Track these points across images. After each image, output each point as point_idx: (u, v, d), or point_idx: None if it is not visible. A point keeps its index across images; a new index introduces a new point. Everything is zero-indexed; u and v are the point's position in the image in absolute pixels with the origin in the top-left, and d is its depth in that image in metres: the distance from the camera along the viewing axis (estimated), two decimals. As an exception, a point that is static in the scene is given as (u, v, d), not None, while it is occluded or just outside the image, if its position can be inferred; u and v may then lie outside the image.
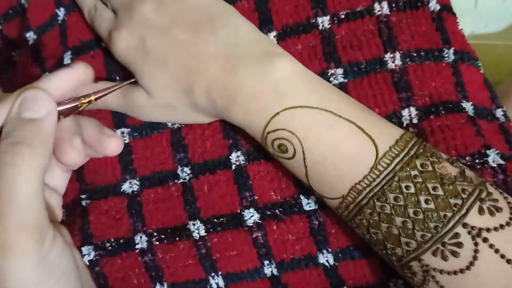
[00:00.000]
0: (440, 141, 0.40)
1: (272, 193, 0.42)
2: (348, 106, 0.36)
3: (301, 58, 0.43)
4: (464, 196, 0.32)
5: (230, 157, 0.43)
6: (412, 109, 0.41)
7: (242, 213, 0.42)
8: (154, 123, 0.45)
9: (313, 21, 0.44)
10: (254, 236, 0.42)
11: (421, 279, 0.34)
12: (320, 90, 0.37)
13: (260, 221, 0.42)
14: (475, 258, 0.31)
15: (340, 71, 0.42)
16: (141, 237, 0.44)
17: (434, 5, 0.42)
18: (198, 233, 0.43)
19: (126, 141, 0.45)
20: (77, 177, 0.46)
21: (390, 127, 0.36)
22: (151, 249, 0.44)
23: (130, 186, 0.45)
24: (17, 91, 0.34)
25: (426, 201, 0.32)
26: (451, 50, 0.42)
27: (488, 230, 0.31)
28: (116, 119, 0.46)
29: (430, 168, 0.33)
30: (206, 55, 0.39)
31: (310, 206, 0.41)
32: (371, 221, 0.34)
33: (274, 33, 0.44)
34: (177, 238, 0.43)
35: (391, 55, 0.42)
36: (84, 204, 0.46)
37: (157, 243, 0.44)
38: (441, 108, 0.40)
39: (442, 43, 0.42)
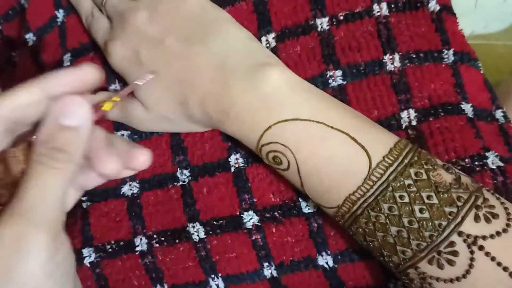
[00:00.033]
0: (439, 143, 0.40)
1: (271, 196, 0.42)
2: (341, 116, 0.36)
3: (299, 60, 0.43)
4: (459, 203, 0.32)
5: (229, 159, 0.43)
6: (411, 111, 0.41)
7: (241, 215, 0.42)
8: (154, 126, 0.45)
9: (312, 22, 0.43)
10: (253, 238, 0.42)
11: (419, 285, 0.34)
12: (312, 101, 0.37)
13: (259, 224, 0.42)
14: (471, 266, 0.31)
15: (339, 73, 0.42)
16: (141, 239, 0.44)
17: (433, 6, 0.42)
18: (198, 235, 0.43)
19: (126, 144, 0.46)
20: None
21: (384, 135, 0.36)
22: (151, 251, 0.44)
23: (130, 188, 0.45)
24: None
25: (421, 210, 0.32)
26: (451, 51, 0.42)
27: (484, 237, 0.31)
28: (116, 122, 0.46)
29: (424, 177, 0.33)
30: (198, 67, 0.39)
31: (309, 209, 0.41)
32: (367, 230, 0.34)
33: (272, 35, 0.44)
34: (177, 241, 0.43)
35: (390, 57, 0.42)
36: (84, 206, 0.46)
37: (157, 245, 0.44)
38: (440, 110, 0.40)
39: (441, 44, 0.42)
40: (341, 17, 0.43)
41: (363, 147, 0.34)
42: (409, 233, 0.32)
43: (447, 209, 0.32)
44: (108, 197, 0.46)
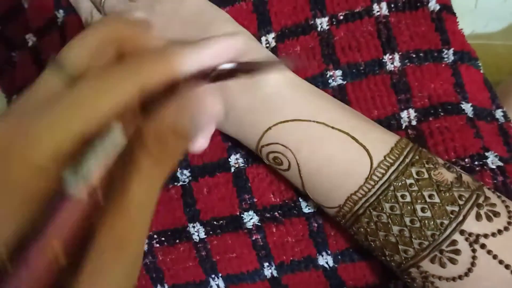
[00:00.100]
0: (439, 143, 0.40)
1: (271, 196, 0.42)
2: (341, 116, 0.36)
3: (299, 60, 0.42)
4: (461, 202, 0.32)
5: (229, 159, 0.43)
6: (411, 111, 0.41)
7: (242, 215, 0.42)
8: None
9: (312, 22, 0.43)
10: (253, 238, 0.42)
11: (421, 284, 0.34)
12: (312, 101, 0.37)
13: (259, 224, 0.42)
14: (473, 264, 0.31)
15: (338, 72, 0.42)
16: (141, 239, 0.44)
17: (433, 5, 0.42)
18: (198, 235, 0.43)
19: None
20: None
21: (385, 135, 0.36)
22: (152, 251, 0.44)
23: (130, 188, 0.45)
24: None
25: (423, 210, 0.32)
26: (451, 51, 0.42)
27: (485, 236, 0.31)
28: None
29: (426, 176, 0.33)
30: None
31: (309, 209, 0.41)
32: (369, 230, 0.35)
33: (272, 35, 0.44)
34: (177, 241, 0.43)
35: (390, 57, 0.42)
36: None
37: (158, 245, 0.44)
38: (440, 110, 0.40)
39: (441, 43, 0.42)
40: (341, 17, 0.43)
41: (364, 146, 0.34)
42: (411, 232, 0.32)
43: (449, 208, 0.32)
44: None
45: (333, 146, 0.35)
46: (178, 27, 0.39)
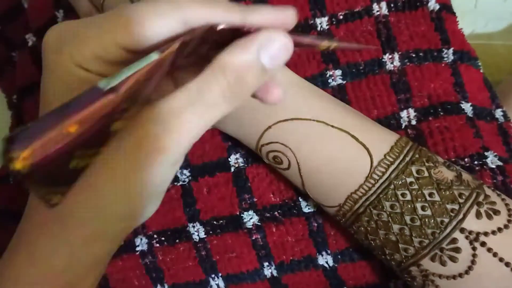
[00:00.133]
0: (438, 143, 0.40)
1: (271, 195, 0.42)
2: (341, 115, 0.36)
3: (299, 60, 0.43)
4: (461, 200, 0.32)
5: (229, 159, 0.43)
6: (411, 110, 0.41)
7: (242, 215, 0.42)
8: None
9: (312, 22, 0.43)
10: (253, 238, 0.42)
11: (421, 283, 0.34)
12: (312, 101, 0.37)
13: (259, 223, 0.42)
14: (473, 262, 0.31)
15: (338, 72, 0.42)
16: (141, 239, 0.44)
17: (433, 5, 0.42)
18: (198, 235, 0.43)
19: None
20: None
21: (385, 134, 0.36)
22: (152, 251, 0.44)
23: (130, 188, 0.45)
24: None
25: (423, 208, 0.32)
26: (451, 50, 0.42)
27: (486, 234, 0.32)
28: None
29: (426, 174, 0.33)
30: None
31: (309, 208, 0.41)
32: (369, 228, 0.35)
33: (272, 34, 0.44)
34: (177, 240, 0.43)
35: (390, 56, 0.42)
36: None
37: (157, 245, 0.44)
38: (439, 110, 0.40)
39: (441, 43, 0.42)
40: (341, 17, 0.43)
41: (364, 145, 0.34)
42: (411, 231, 0.32)
43: (449, 206, 0.32)
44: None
45: (333, 145, 0.35)
46: None
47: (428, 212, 0.32)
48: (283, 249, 0.42)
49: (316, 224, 0.41)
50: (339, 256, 0.41)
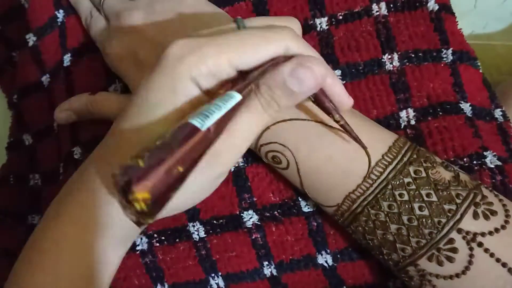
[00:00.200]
0: (438, 142, 0.40)
1: (271, 195, 0.42)
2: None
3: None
4: (458, 201, 0.32)
5: (229, 159, 0.43)
6: (410, 110, 0.41)
7: (241, 214, 0.42)
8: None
9: (311, 22, 0.43)
10: (253, 237, 0.42)
11: (418, 283, 0.34)
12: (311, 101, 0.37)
13: (259, 223, 0.42)
14: (470, 262, 0.32)
15: (338, 72, 0.42)
16: (141, 238, 0.44)
17: (432, 5, 0.42)
18: (198, 234, 0.43)
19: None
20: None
21: (383, 134, 0.36)
22: (152, 251, 0.44)
23: (130, 188, 0.45)
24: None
25: (420, 208, 0.32)
26: (450, 51, 0.42)
27: (483, 234, 0.32)
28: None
29: (423, 174, 0.33)
30: None
31: (308, 208, 0.42)
32: (367, 228, 0.35)
33: (272, 35, 0.44)
34: (177, 240, 0.44)
35: (389, 56, 0.42)
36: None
37: (158, 244, 0.44)
38: (439, 109, 0.40)
39: (440, 43, 0.42)
40: (340, 17, 0.43)
41: (362, 145, 0.34)
42: (409, 231, 0.33)
43: (446, 207, 0.32)
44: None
45: (332, 145, 0.35)
46: (178, 26, 0.40)
47: (426, 212, 0.32)
48: (283, 248, 0.42)
49: (315, 224, 0.41)
50: (338, 256, 0.41)
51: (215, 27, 0.33)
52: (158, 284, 0.44)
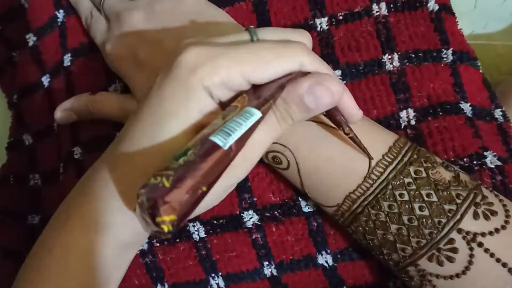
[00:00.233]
0: (438, 143, 0.40)
1: (271, 195, 0.42)
2: None
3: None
4: (458, 201, 0.32)
5: (229, 158, 0.43)
6: (410, 110, 0.41)
7: (242, 214, 0.42)
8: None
9: (311, 22, 0.43)
10: (253, 237, 0.42)
11: (418, 283, 0.34)
12: None
13: (259, 223, 0.42)
14: (470, 262, 0.32)
15: (338, 72, 0.42)
16: (141, 238, 0.44)
17: (433, 5, 0.42)
18: (198, 234, 0.43)
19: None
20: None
21: (383, 134, 0.36)
22: (152, 251, 0.44)
23: (130, 188, 0.45)
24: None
25: (421, 208, 0.32)
26: (450, 51, 0.42)
27: (483, 234, 0.32)
28: (116, 122, 0.46)
29: (424, 175, 0.33)
30: None
31: (308, 208, 0.42)
32: (367, 228, 0.35)
33: (272, 35, 0.44)
34: (177, 240, 0.44)
35: (389, 56, 0.42)
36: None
37: (158, 244, 0.44)
38: (439, 110, 0.40)
39: (440, 43, 0.42)
40: (341, 17, 0.43)
41: (362, 145, 0.34)
42: (409, 231, 0.33)
43: (447, 207, 0.32)
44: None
45: (332, 145, 0.35)
46: (178, 26, 0.40)
47: (426, 212, 0.32)
48: (283, 248, 0.42)
49: (315, 224, 0.41)
50: (338, 256, 0.41)
51: (229, 36, 0.33)
52: (158, 284, 0.44)
